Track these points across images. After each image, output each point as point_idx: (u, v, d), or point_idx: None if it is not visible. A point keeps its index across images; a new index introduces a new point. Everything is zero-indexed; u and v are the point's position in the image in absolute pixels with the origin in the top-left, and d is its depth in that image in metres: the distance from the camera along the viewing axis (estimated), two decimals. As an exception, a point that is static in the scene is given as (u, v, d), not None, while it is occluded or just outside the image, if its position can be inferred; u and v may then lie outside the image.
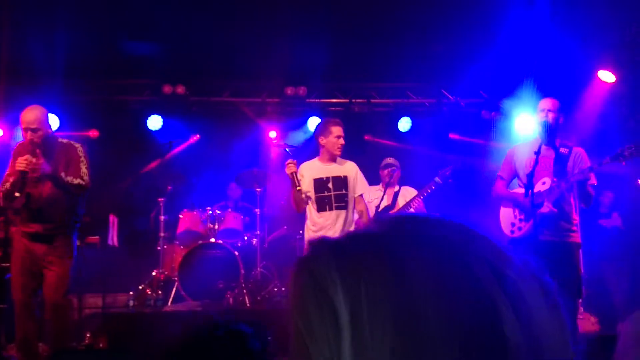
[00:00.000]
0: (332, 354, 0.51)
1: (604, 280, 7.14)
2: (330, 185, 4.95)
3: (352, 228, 4.97)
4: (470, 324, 0.50)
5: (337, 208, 4.93)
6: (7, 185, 4.41)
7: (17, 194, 4.34)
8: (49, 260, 4.53)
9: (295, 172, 4.88)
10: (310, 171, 5.02)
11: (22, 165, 4.31)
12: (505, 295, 0.52)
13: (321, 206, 4.93)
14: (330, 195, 4.93)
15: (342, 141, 4.96)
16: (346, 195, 4.96)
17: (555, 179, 4.35)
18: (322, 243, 0.57)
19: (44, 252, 4.53)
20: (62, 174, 4.50)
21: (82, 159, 4.64)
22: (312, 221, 4.99)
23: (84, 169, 4.57)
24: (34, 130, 4.45)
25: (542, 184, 4.38)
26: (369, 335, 0.49)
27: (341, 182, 4.97)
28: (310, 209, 5.00)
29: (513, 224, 4.51)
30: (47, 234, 4.55)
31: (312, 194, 4.96)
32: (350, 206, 4.99)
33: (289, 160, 4.94)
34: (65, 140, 4.78)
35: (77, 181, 4.52)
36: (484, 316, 0.51)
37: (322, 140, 5.00)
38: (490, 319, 0.51)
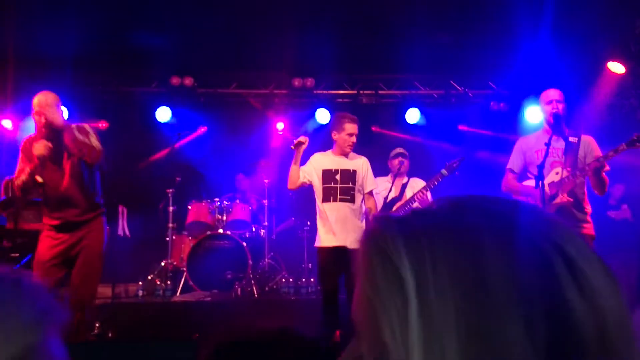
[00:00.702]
0: (400, 321, 0.53)
1: (615, 273, 7.12)
2: (337, 177, 4.96)
3: (359, 222, 4.98)
4: (534, 293, 0.52)
5: (342, 200, 4.93)
6: (24, 176, 4.35)
7: (39, 179, 4.31)
8: (82, 246, 4.43)
9: (301, 143, 4.92)
10: (322, 162, 5.03)
11: (41, 150, 4.28)
12: (568, 271, 0.54)
13: (326, 196, 4.95)
14: (337, 187, 4.94)
15: (353, 139, 4.97)
16: (353, 188, 4.97)
17: (569, 169, 4.33)
18: (387, 218, 0.60)
19: (76, 240, 4.43)
20: (76, 133, 4.37)
21: (91, 133, 4.50)
22: (320, 212, 5.02)
23: (94, 139, 4.43)
24: (38, 114, 4.43)
25: (556, 174, 4.34)
26: (435, 302, 0.51)
27: (349, 175, 4.98)
28: (317, 199, 5.03)
29: None
30: (76, 220, 4.46)
31: (319, 184, 4.98)
32: (358, 200, 4.99)
33: (303, 136, 4.99)
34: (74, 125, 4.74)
35: (88, 141, 4.38)
36: (548, 286, 0.52)
37: (335, 135, 5.03)
38: (554, 289, 0.52)
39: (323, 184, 4.98)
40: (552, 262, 0.53)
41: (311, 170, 5.02)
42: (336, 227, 4.83)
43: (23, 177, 4.35)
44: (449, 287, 0.52)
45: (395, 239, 0.56)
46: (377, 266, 0.55)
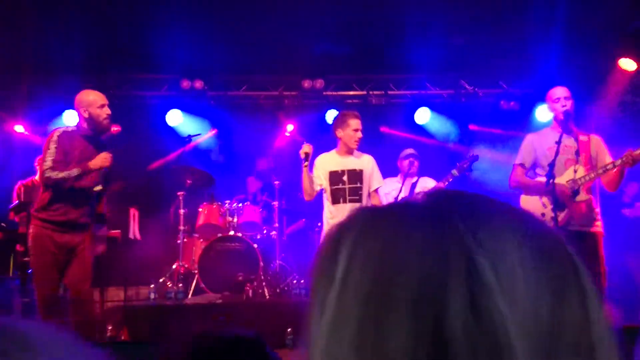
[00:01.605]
0: (322, 301, 0.54)
1: (626, 271, 7.07)
2: (345, 178, 4.95)
3: None
4: (442, 295, 0.49)
5: (351, 201, 4.93)
6: (66, 174, 4.32)
7: (99, 188, 4.43)
8: (80, 249, 4.43)
9: (308, 154, 4.91)
10: (327, 163, 5.02)
11: (103, 162, 4.40)
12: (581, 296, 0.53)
13: (335, 198, 4.95)
14: (345, 188, 4.93)
15: (359, 134, 4.95)
16: (360, 188, 4.96)
17: (588, 167, 4.31)
18: (362, 208, 0.60)
19: (77, 242, 4.43)
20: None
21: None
22: (329, 212, 5.01)
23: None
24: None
25: (574, 172, 4.30)
26: (350, 289, 0.52)
27: (356, 175, 4.97)
28: (326, 202, 5.02)
29: (543, 214, 4.35)
30: (84, 222, 4.47)
31: (327, 185, 4.97)
32: (365, 200, 4.99)
33: (306, 144, 4.98)
34: None
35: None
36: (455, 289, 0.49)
37: (340, 133, 5.00)
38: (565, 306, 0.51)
39: (331, 185, 4.97)
40: (472, 263, 0.50)
41: (319, 175, 5.01)
42: None
43: (65, 174, 4.31)
44: (363, 274, 0.52)
45: (349, 228, 0.56)
46: (326, 250, 0.57)
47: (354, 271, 0.53)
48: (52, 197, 4.40)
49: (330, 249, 0.56)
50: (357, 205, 4.90)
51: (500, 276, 0.49)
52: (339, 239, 0.56)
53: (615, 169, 4.20)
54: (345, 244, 0.55)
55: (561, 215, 4.18)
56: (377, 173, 5.13)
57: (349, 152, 5.02)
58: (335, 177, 4.97)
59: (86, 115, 4.53)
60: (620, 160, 4.15)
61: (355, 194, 4.94)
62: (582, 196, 4.28)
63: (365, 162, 5.06)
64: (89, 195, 4.49)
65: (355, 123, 4.95)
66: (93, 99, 4.57)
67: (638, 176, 6.93)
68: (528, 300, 0.49)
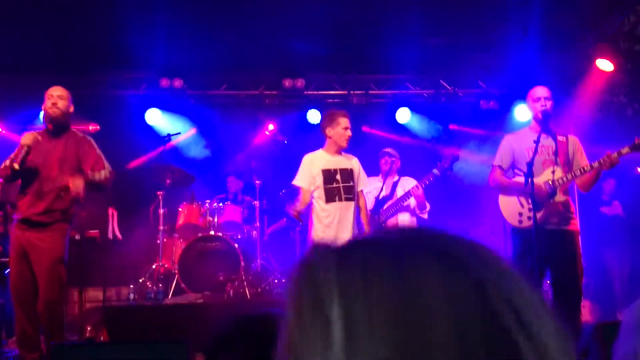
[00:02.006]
0: (322, 355, 0.49)
1: (604, 268, 7.18)
2: (338, 177, 4.92)
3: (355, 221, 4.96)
4: (475, 331, 0.49)
5: (346, 199, 4.91)
6: (6, 162, 4.32)
7: (15, 166, 4.23)
8: (44, 249, 4.38)
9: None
10: (318, 162, 4.97)
11: (28, 140, 4.31)
12: (519, 321, 0.51)
13: (330, 197, 4.88)
14: (339, 187, 4.90)
15: (349, 133, 4.93)
16: (353, 187, 4.94)
17: (566, 168, 4.35)
18: (326, 247, 0.56)
19: (40, 240, 4.38)
20: (89, 173, 4.49)
21: (97, 150, 4.65)
22: (322, 210, 4.91)
23: (104, 172, 4.56)
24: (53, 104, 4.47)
25: (551, 173, 4.34)
26: (364, 339, 0.48)
27: (348, 174, 4.95)
28: (317, 200, 4.94)
29: (521, 214, 4.43)
30: (46, 221, 4.41)
31: (320, 183, 4.92)
32: (356, 199, 4.98)
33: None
34: (79, 134, 4.75)
35: (104, 173, 4.52)
36: (488, 324, 0.49)
37: (329, 132, 4.95)
38: (494, 327, 0.50)
39: (325, 184, 4.91)
40: (492, 301, 0.50)
41: (312, 174, 4.95)
42: (339, 227, 4.82)
43: (6, 162, 4.31)
44: (383, 323, 0.48)
45: (328, 271, 0.52)
46: (306, 298, 0.52)
47: (372, 322, 0.48)
48: (20, 194, 4.47)
49: (313, 303, 0.51)
50: (352, 204, 4.89)
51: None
52: (320, 287, 0.51)
53: (592, 171, 4.25)
54: (335, 294, 0.50)
55: (538, 215, 4.22)
56: (363, 174, 5.14)
57: (338, 151, 5.00)
58: (328, 175, 4.91)
59: (43, 110, 4.60)
60: (597, 163, 4.20)
61: (350, 193, 4.92)
62: (559, 197, 4.33)
63: (354, 163, 5.06)
64: (49, 191, 4.43)
65: (344, 121, 4.92)
66: (45, 94, 4.59)
67: (615, 173, 7.03)
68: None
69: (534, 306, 0.52)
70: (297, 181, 4.99)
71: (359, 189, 5.06)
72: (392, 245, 0.55)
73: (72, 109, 4.63)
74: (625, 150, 4.13)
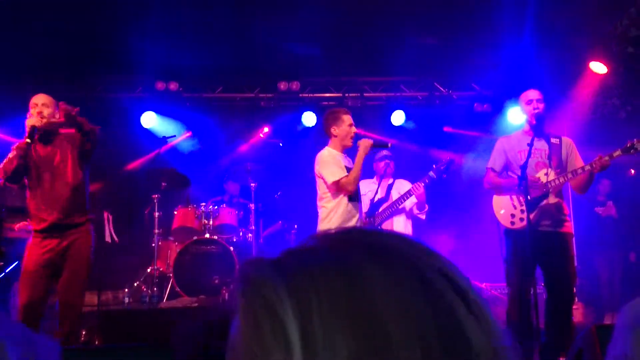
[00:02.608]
0: None
1: (597, 270, 7.20)
2: None
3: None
4: (429, 322, 0.50)
5: (360, 200, 4.90)
6: (10, 155, 4.30)
7: (28, 140, 4.23)
8: (69, 254, 4.34)
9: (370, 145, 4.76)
10: (339, 158, 4.80)
11: (34, 120, 4.28)
12: (456, 293, 0.52)
13: (354, 195, 4.77)
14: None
15: (354, 129, 4.83)
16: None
17: (558, 170, 4.37)
18: (261, 261, 0.56)
19: (64, 247, 4.34)
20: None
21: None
22: (345, 207, 4.71)
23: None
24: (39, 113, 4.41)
25: (544, 175, 4.37)
26: (322, 350, 0.48)
27: None
28: (342, 198, 4.72)
29: (513, 215, 4.47)
30: (64, 223, 4.37)
31: None
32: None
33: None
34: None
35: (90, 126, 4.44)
36: (440, 312, 0.51)
37: (335, 131, 4.82)
38: (446, 313, 0.51)
39: None
40: (440, 289, 0.52)
41: (342, 166, 4.77)
42: (356, 224, 4.70)
43: (9, 155, 4.29)
44: (339, 331, 0.48)
45: (277, 286, 0.51)
46: (264, 321, 0.50)
47: (329, 331, 0.48)
48: (30, 203, 4.48)
49: (270, 317, 0.50)
50: (358, 204, 4.82)
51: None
52: (274, 300, 0.51)
53: (584, 174, 4.27)
54: (291, 308, 0.50)
55: (531, 215, 4.24)
56: None
57: (345, 148, 4.88)
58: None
59: (28, 122, 4.52)
60: (589, 166, 4.22)
61: (359, 191, 4.89)
62: (552, 199, 4.35)
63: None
64: (60, 195, 4.42)
65: (348, 118, 4.83)
66: (30, 103, 4.54)
67: (610, 174, 7.05)
68: None
69: (475, 295, 0.54)
70: (335, 175, 4.65)
71: None
72: (329, 250, 0.55)
73: (57, 116, 4.55)
74: (617, 152, 4.16)
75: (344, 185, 4.62)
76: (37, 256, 4.33)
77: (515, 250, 4.36)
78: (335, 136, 4.85)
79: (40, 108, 4.44)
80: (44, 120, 4.40)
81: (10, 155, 4.35)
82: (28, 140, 4.25)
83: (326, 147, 4.88)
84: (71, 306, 4.37)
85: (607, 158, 4.15)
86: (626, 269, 7.14)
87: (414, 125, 8.35)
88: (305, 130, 8.18)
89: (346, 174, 4.65)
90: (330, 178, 4.64)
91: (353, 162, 4.80)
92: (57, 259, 4.35)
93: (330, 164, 4.70)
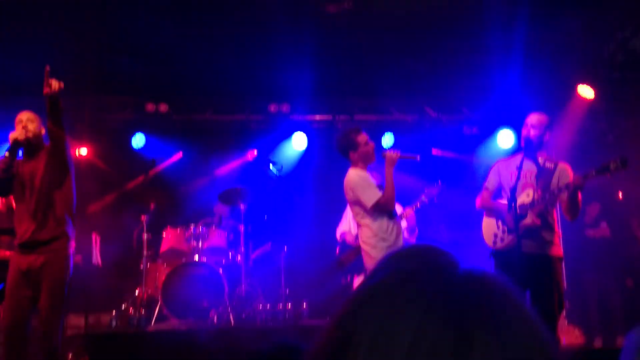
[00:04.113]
0: None
1: (587, 293, 7.15)
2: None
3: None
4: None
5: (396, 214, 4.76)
6: None
7: (6, 154, 4.21)
8: (46, 273, 4.24)
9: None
10: (369, 179, 4.69)
11: (16, 134, 4.26)
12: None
13: (393, 212, 4.67)
14: None
15: (372, 144, 4.71)
16: None
17: (539, 192, 4.39)
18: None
19: (39, 265, 4.24)
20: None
21: None
22: (382, 230, 4.58)
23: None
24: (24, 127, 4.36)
25: (527, 196, 4.41)
26: None
27: None
28: (383, 218, 4.59)
29: (496, 235, 4.51)
30: (44, 238, 4.30)
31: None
32: None
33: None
34: None
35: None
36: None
37: (354, 155, 4.70)
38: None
39: None
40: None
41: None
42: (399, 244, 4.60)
43: None
44: None
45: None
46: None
47: None
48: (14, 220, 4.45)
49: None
50: (397, 219, 4.72)
51: None
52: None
53: (565, 194, 4.28)
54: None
55: (512, 237, 4.28)
56: None
57: (368, 165, 4.77)
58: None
59: (12, 138, 4.49)
60: (565, 187, 4.24)
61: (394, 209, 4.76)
62: (532, 218, 4.34)
63: None
64: (37, 210, 4.35)
65: (362, 137, 4.70)
66: (15, 120, 4.50)
67: (600, 197, 7.08)
68: None
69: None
70: (372, 198, 4.51)
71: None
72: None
73: (43, 131, 4.49)
74: (591, 173, 4.15)
75: (384, 206, 4.54)
76: (14, 272, 4.28)
77: (501, 271, 4.34)
78: (358, 159, 4.71)
79: (25, 123, 4.41)
80: (29, 134, 4.36)
81: None
82: (7, 154, 4.25)
83: (351, 169, 4.72)
84: (49, 327, 4.23)
85: (582, 179, 4.14)
86: (625, 294, 7.06)
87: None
88: (294, 151, 8.22)
89: (381, 193, 4.55)
90: (369, 201, 4.52)
91: (377, 177, 4.75)
92: (34, 277, 4.26)
93: (364, 187, 4.58)
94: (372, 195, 4.52)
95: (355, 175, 4.63)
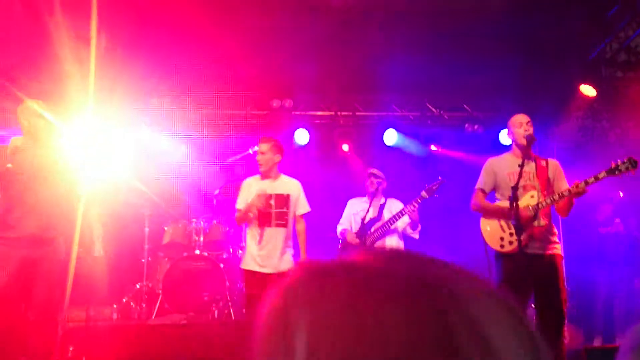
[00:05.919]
0: None
1: (593, 291, 7.07)
2: (272, 202, 5.07)
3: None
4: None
5: (277, 225, 5.06)
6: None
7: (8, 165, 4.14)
8: (44, 269, 4.21)
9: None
10: (253, 186, 5.14)
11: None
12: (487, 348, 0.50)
13: (263, 222, 5.07)
14: (272, 212, 5.06)
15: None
16: (287, 213, 5.08)
17: (545, 192, 4.39)
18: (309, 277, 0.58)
19: (39, 259, 4.19)
20: None
21: None
22: (253, 236, 5.15)
23: None
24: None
25: (531, 197, 4.38)
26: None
27: (283, 200, 5.09)
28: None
29: (502, 238, 4.45)
30: (45, 236, 4.24)
31: None
32: (290, 225, 5.12)
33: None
34: None
35: None
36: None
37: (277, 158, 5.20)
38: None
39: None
40: (453, 328, 0.50)
41: (247, 197, 5.19)
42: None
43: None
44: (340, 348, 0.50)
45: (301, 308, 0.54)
46: (275, 330, 0.54)
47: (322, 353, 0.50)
48: (4, 210, 4.30)
49: (281, 329, 0.53)
50: (283, 230, 4.92)
51: None
52: (289, 312, 0.53)
53: (565, 198, 4.29)
54: (302, 321, 0.52)
55: (521, 238, 4.24)
56: (303, 199, 5.16)
57: (275, 176, 5.12)
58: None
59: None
60: (567, 192, 4.25)
61: (282, 219, 4.97)
62: (541, 221, 4.36)
63: (292, 187, 5.09)
64: (42, 207, 4.29)
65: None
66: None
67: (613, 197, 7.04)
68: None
69: (510, 333, 0.51)
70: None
71: (299, 212, 5.17)
72: (371, 270, 0.57)
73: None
74: (602, 174, 4.16)
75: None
76: (8, 272, 4.15)
77: (507, 274, 4.35)
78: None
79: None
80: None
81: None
82: (9, 165, 4.17)
83: (256, 175, 5.28)
84: (49, 318, 4.27)
85: (582, 185, 4.16)
86: (630, 293, 7.02)
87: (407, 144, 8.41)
88: (297, 147, 8.22)
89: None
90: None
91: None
92: (26, 272, 4.17)
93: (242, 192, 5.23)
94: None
95: (247, 180, 5.32)
